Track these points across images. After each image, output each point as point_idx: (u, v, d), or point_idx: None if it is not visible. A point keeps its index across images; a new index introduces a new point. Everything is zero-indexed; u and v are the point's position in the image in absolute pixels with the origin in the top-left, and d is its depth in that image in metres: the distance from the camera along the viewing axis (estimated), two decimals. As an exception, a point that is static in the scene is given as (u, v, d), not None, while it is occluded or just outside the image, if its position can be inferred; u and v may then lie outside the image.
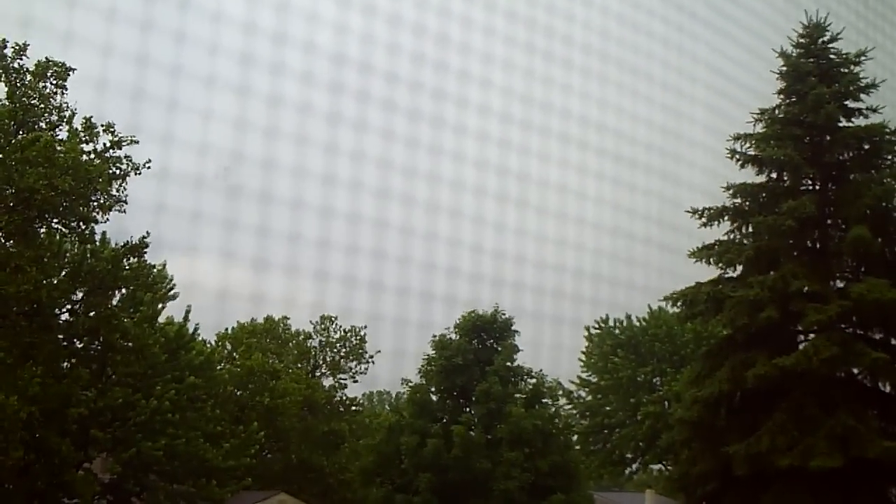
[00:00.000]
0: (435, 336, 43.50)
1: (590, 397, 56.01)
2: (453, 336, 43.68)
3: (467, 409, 42.93)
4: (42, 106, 27.08)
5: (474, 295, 41.85)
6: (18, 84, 26.67)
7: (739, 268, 32.93)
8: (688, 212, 33.34)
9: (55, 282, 28.65)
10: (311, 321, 55.86)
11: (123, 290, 33.61)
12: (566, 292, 39.07)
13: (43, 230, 27.73)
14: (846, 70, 33.36)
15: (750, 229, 32.97)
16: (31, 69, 26.81)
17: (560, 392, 50.17)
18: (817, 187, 33.22)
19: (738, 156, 33.26)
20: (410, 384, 44.13)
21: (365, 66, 32.50)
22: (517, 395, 42.89)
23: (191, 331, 40.88)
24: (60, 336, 30.73)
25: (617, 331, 55.84)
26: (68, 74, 27.15)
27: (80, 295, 30.42)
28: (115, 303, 32.66)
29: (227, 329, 51.38)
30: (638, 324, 55.05)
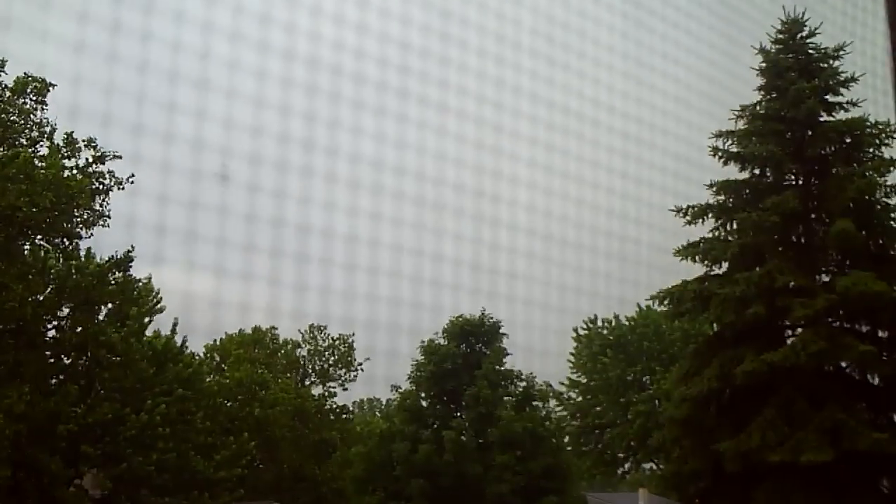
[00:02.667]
0: (423, 342, 43.51)
1: (580, 398, 56.05)
2: (442, 341, 43.66)
3: (458, 414, 42.94)
4: (22, 122, 27.02)
5: (460, 298, 41.70)
6: (-2, 100, 26.64)
7: (725, 265, 33.03)
8: (671, 210, 33.42)
9: (41, 298, 28.56)
10: (299, 330, 55.85)
11: (109, 305, 33.53)
12: (553, 293, 38.96)
13: (27, 247, 27.67)
14: (825, 65, 33.50)
15: (734, 226, 33.03)
16: (9, 85, 26.76)
17: (550, 394, 50.15)
18: (800, 182, 33.34)
19: (720, 153, 33.36)
20: (400, 391, 44.14)
21: (357, 101, 32.51)
22: (507, 399, 42.92)
23: (179, 343, 40.81)
24: (47, 353, 30.63)
25: (605, 331, 55.90)
26: (48, 90, 27.10)
27: (66, 311, 30.33)
28: (101, 318, 32.56)
29: (215, 340, 51.28)
30: (626, 323, 55.12)
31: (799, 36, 33.87)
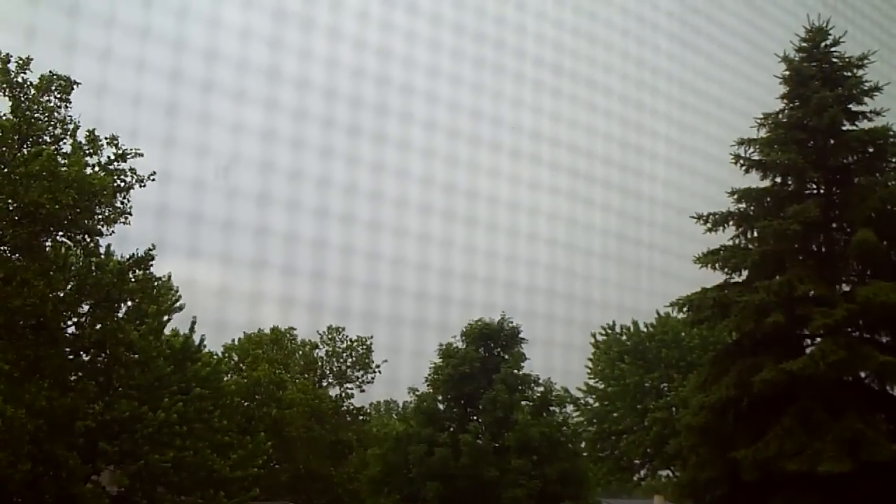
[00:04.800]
0: (441, 345, 43.53)
1: (597, 404, 55.93)
2: (460, 344, 43.66)
3: (475, 418, 42.93)
4: (46, 119, 27.11)
5: (480, 303, 41.77)
6: (22, 98, 26.70)
7: (745, 273, 32.89)
8: (692, 217, 33.32)
9: (61, 295, 28.63)
10: (317, 331, 56.00)
11: (129, 303, 33.64)
12: (573, 298, 38.95)
13: (48, 243, 27.76)
14: (849, 73, 33.32)
15: (755, 234, 32.91)
16: (34, 83, 26.84)
17: (568, 399, 50.08)
18: (822, 191, 33.18)
19: (742, 161, 33.25)
20: (418, 393, 44.15)
21: (382, 78, 32.44)
22: (524, 403, 42.87)
23: (196, 342, 40.93)
24: (67, 349, 30.72)
25: (623, 337, 55.78)
26: (72, 88, 27.17)
27: (86, 308, 30.43)
28: (120, 315, 32.67)
29: (233, 340, 51.47)
30: (645, 329, 54.99)
31: (823, 44, 33.72)
